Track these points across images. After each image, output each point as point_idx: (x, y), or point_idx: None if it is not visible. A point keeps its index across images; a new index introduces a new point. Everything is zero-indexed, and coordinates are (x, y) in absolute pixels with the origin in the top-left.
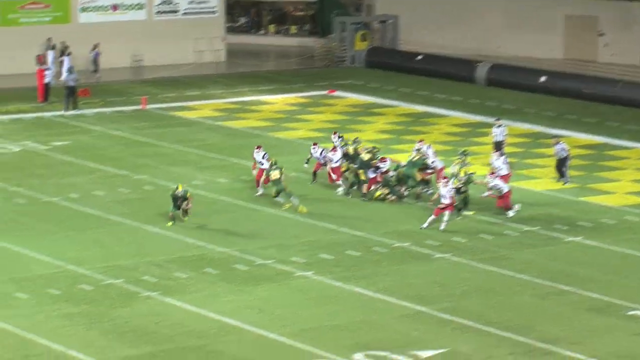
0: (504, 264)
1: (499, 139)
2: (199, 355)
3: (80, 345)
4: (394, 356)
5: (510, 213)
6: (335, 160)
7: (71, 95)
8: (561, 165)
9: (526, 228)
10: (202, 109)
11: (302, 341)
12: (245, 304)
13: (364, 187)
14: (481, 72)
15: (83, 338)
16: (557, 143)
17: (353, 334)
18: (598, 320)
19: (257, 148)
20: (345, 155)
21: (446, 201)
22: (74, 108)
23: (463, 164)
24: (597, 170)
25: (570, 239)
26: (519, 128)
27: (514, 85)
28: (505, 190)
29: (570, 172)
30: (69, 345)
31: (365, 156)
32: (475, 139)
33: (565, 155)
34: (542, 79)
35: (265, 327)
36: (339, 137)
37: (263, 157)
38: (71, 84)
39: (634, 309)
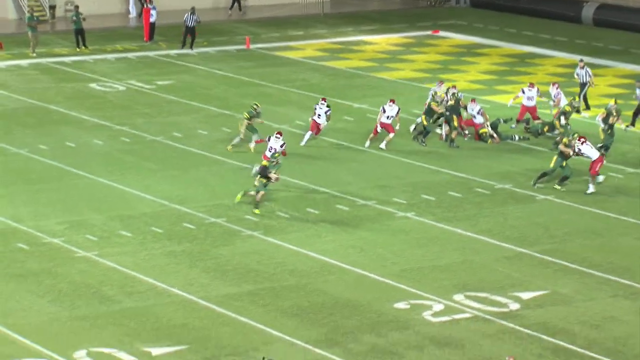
0: (607, 206)
1: (584, 80)
2: (300, 294)
3: (182, 283)
4: (494, 297)
5: (599, 179)
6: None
7: (190, 34)
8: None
9: (631, 170)
10: (305, 49)
11: (402, 281)
12: (346, 244)
13: (454, 133)
14: (588, 12)
15: (185, 276)
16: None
17: (453, 275)
18: None
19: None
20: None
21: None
22: (190, 47)
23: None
24: None
25: None
26: (624, 69)
27: (620, 26)
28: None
29: None
30: (172, 283)
31: (451, 101)
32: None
33: None
34: None
35: (366, 267)
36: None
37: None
38: (190, 24)
39: None
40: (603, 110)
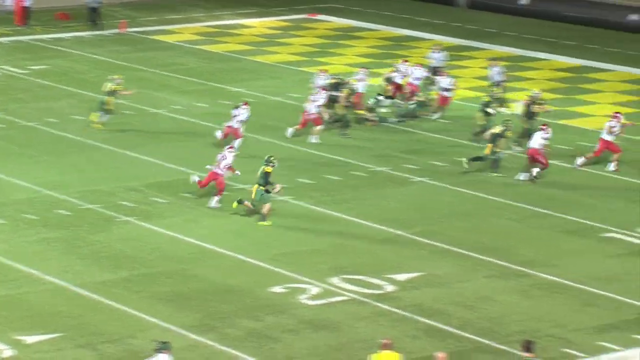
0: (483, 187)
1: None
2: (176, 280)
3: (57, 270)
4: (370, 279)
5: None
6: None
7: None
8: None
9: (506, 151)
10: (182, 32)
11: (279, 265)
12: (223, 229)
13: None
14: None
15: (60, 263)
16: (494, 66)
17: (330, 258)
18: (574, 242)
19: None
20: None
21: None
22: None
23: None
24: (576, 93)
25: (550, 161)
26: (499, 51)
27: (495, 8)
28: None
29: (549, 95)
30: (46, 270)
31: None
32: (456, 62)
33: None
34: (523, 1)
35: (243, 251)
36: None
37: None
38: (93, 5)
39: (609, 231)
40: (526, 99)
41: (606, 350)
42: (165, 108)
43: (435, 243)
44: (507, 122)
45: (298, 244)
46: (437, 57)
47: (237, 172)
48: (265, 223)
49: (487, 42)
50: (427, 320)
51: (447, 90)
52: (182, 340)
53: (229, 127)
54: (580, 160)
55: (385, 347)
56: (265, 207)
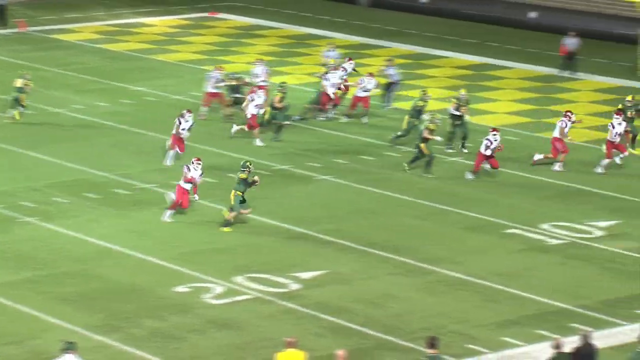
0: (386, 185)
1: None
2: (79, 280)
3: None
4: (274, 278)
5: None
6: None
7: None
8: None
9: (407, 149)
10: (82, 31)
11: (182, 264)
12: (125, 228)
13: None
14: None
15: None
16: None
17: (234, 257)
18: (476, 239)
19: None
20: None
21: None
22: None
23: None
24: (477, 90)
25: (452, 159)
26: (400, 49)
27: (396, 7)
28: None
29: (450, 93)
30: None
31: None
32: (358, 60)
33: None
34: (424, 0)
35: (146, 251)
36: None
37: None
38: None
39: (511, 228)
40: (453, 100)
41: (508, 346)
42: (66, 107)
43: (339, 241)
44: (434, 117)
45: (202, 243)
46: (332, 56)
47: (195, 196)
48: (226, 229)
49: (389, 40)
50: (331, 318)
51: (367, 90)
52: (86, 341)
53: (174, 136)
54: (537, 157)
55: (290, 345)
56: (232, 215)
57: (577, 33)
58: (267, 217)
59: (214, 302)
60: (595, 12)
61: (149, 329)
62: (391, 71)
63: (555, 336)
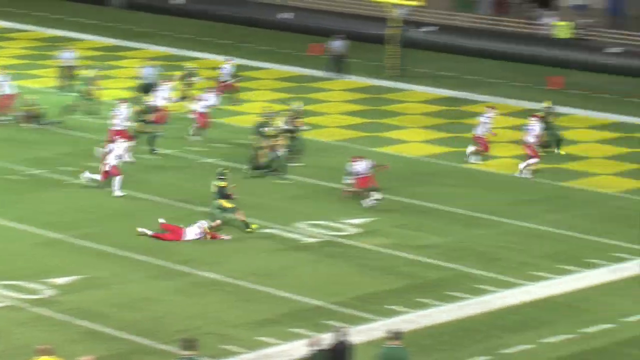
0: (142, 188)
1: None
2: None
3: None
4: (28, 284)
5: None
6: None
7: None
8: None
9: (168, 151)
10: None
11: None
12: None
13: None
14: None
15: None
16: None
17: None
18: (232, 240)
19: None
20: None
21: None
22: None
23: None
24: (236, 91)
25: (203, 159)
26: (155, 51)
27: (149, 8)
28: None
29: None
30: None
31: None
32: (111, 62)
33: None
34: (178, 0)
35: None
36: None
37: None
38: None
39: (267, 228)
40: (288, 112)
41: (265, 345)
42: None
43: (95, 245)
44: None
45: None
46: (150, 73)
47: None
48: (254, 226)
49: (142, 42)
50: (87, 324)
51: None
52: None
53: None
54: (470, 150)
55: (43, 352)
56: (216, 223)
57: (345, 35)
58: (21, 222)
59: None
60: (347, 13)
61: None
62: (148, 71)
63: (311, 334)
